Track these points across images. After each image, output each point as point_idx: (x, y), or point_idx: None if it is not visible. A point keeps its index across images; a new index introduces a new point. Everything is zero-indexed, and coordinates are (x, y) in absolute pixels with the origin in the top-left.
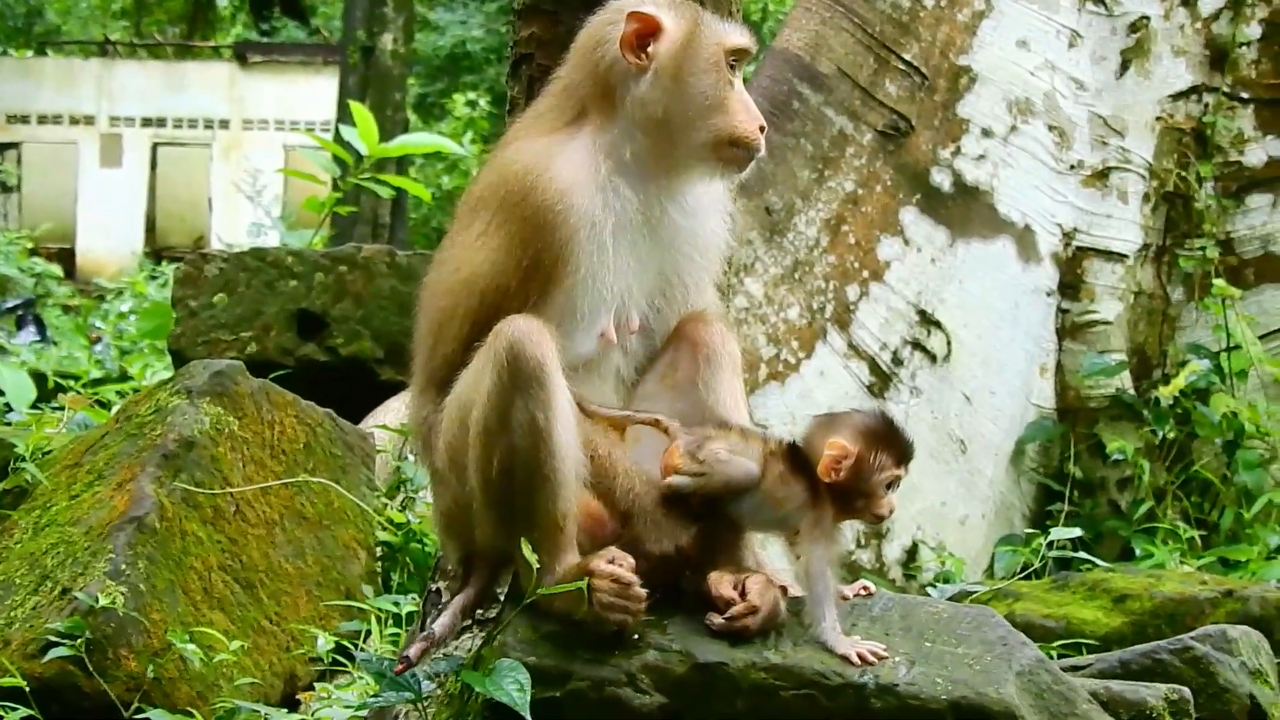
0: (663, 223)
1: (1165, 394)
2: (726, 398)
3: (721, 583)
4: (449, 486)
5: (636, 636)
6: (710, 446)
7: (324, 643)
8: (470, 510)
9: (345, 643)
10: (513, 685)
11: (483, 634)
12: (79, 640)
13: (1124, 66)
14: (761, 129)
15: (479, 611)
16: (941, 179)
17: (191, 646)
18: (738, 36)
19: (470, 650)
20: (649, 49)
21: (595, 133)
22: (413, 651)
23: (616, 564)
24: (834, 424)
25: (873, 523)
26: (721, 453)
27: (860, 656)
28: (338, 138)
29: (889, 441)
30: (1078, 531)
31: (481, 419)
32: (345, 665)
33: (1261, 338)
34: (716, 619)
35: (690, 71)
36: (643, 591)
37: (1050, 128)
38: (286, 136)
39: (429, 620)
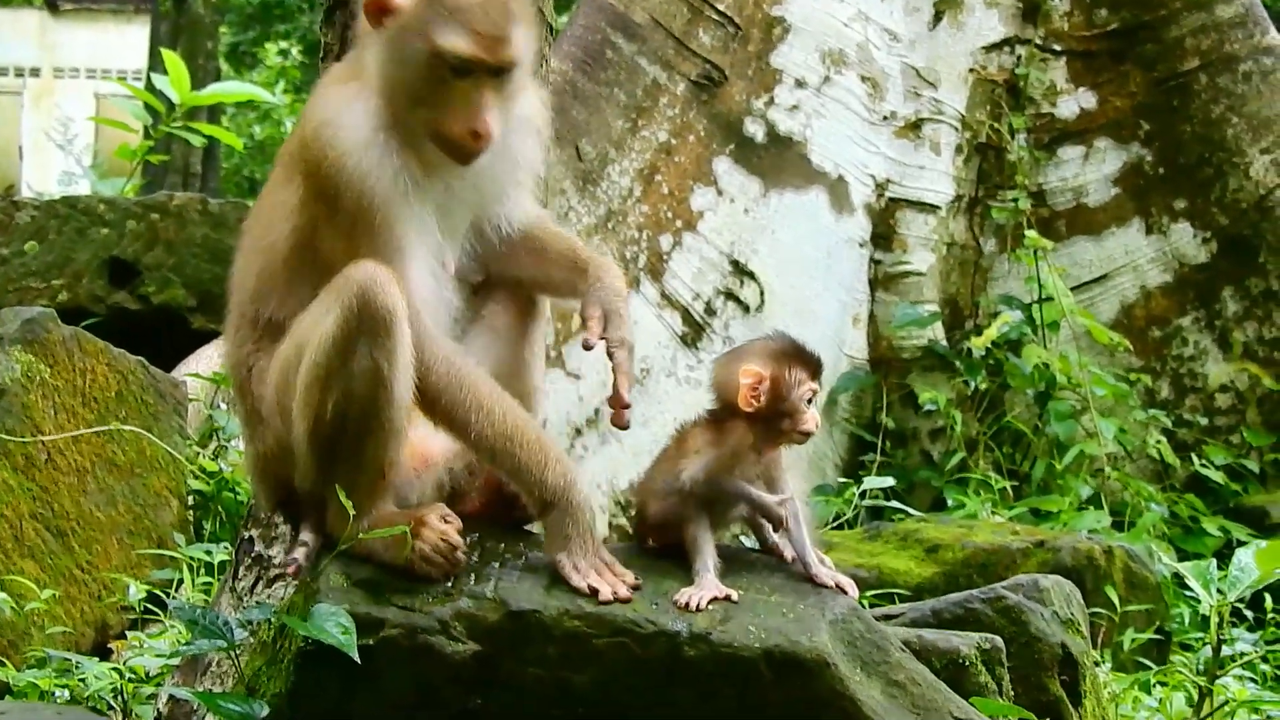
0: (453, 170)
1: (977, 345)
2: (538, 353)
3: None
4: (271, 428)
5: (450, 585)
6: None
7: (135, 591)
8: (291, 453)
9: (157, 591)
10: (336, 628)
11: (293, 583)
12: None
13: (937, 18)
14: (476, 134)
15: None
16: (755, 129)
17: (2, 595)
18: (452, 42)
19: (283, 599)
20: (387, 19)
21: (370, 90)
22: (300, 554)
23: (447, 522)
24: (740, 355)
25: (800, 442)
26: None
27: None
28: (149, 86)
29: (798, 357)
30: (890, 481)
31: (322, 361)
32: (157, 614)
33: (1073, 289)
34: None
35: (401, 60)
36: (463, 557)
37: (863, 79)
38: (98, 85)
39: (241, 568)
